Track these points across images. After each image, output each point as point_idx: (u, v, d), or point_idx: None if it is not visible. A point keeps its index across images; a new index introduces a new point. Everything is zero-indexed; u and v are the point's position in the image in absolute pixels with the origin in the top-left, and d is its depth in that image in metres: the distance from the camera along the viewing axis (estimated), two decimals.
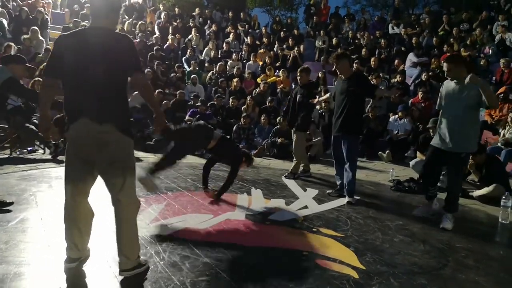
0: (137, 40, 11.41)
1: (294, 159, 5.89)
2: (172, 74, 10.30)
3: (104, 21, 2.41)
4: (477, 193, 4.98)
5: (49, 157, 6.18)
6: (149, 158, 6.08)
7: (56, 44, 2.40)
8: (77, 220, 2.46)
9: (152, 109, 2.62)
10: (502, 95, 7.46)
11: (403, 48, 11.30)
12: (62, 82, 2.38)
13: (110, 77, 2.32)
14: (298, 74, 5.89)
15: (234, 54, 11.72)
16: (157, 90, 9.17)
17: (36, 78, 6.99)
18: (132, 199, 2.43)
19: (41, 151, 6.61)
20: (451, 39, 11.02)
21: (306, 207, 4.25)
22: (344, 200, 4.53)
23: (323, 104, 8.96)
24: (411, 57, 10.47)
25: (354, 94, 4.44)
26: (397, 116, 8.09)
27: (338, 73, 4.72)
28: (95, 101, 2.29)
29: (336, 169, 4.84)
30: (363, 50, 11.21)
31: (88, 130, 2.30)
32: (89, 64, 2.28)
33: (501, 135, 6.60)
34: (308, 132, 7.56)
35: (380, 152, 7.58)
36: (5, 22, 10.55)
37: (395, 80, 9.64)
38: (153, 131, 2.50)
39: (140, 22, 12.73)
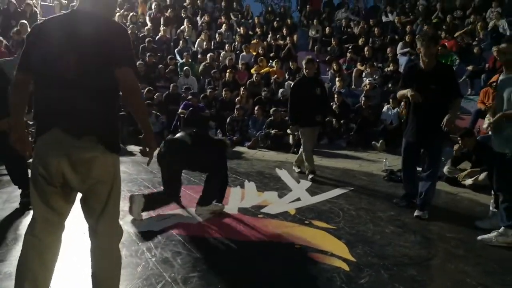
0: (128, 32, 11.27)
1: (305, 158, 5.33)
2: (160, 66, 10.16)
3: (93, 4, 1.88)
4: (468, 181, 5.01)
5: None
6: None
7: (29, 33, 1.94)
8: (39, 265, 1.80)
9: (140, 125, 1.90)
10: (495, 83, 7.47)
11: (396, 37, 11.24)
12: (33, 79, 1.87)
13: (88, 73, 1.74)
14: (304, 66, 5.31)
15: (227, 45, 11.62)
16: (147, 88, 8.69)
17: None
18: (113, 229, 1.91)
19: None
20: (444, 26, 10.98)
21: (299, 199, 4.27)
22: (337, 192, 4.55)
23: None
24: (399, 48, 10.49)
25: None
26: (390, 105, 8.09)
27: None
28: (69, 105, 1.74)
29: (410, 179, 4.10)
30: (360, 39, 11.15)
31: (60, 144, 1.74)
32: (63, 55, 1.73)
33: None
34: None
35: (373, 142, 7.60)
36: None
37: (388, 69, 9.61)
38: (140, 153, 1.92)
39: (131, 14, 12.57)
